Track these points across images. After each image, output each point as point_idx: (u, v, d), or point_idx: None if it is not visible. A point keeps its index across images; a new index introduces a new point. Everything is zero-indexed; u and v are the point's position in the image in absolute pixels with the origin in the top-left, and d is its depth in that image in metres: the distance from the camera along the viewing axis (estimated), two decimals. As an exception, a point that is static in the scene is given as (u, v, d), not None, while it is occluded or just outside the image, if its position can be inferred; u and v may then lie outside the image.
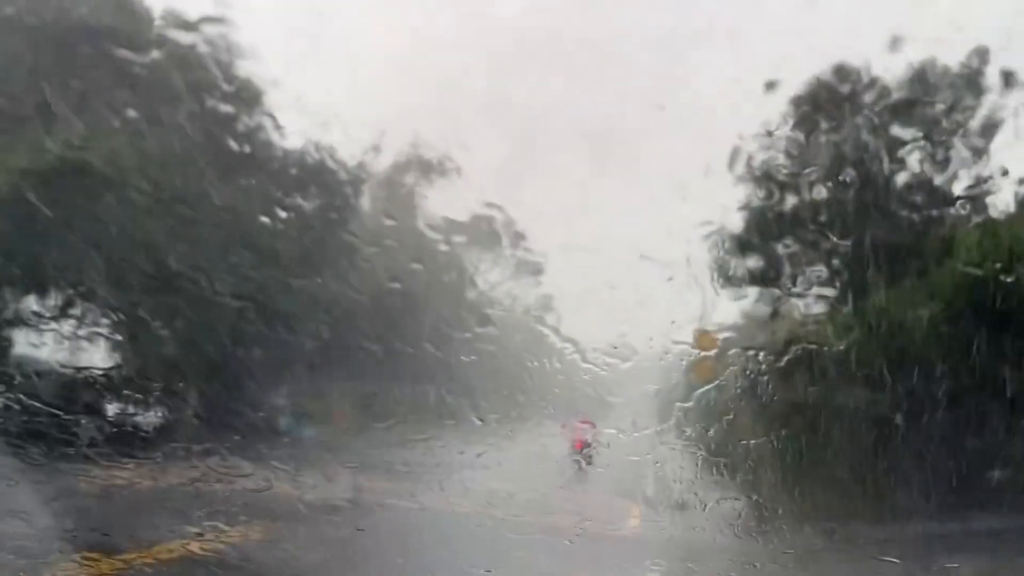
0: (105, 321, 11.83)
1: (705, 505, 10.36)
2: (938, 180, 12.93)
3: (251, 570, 7.66)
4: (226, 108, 11.05)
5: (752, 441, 11.77)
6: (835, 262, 13.37)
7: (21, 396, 10.02)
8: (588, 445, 11.98)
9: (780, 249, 13.94)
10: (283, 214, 12.28)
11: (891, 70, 12.62)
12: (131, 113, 10.61)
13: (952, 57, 12.11)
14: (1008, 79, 12.10)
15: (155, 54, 10.59)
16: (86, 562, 6.53)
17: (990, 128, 12.38)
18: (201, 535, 8.07)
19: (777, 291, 13.84)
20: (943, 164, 12.84)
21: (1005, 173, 12.28)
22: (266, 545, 8.63)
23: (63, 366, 10.78)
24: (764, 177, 13.66)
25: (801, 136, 13.40)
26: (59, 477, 8.54)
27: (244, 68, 11.75)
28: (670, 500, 10.82)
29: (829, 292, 13.56)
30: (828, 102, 12.86)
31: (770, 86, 13.06)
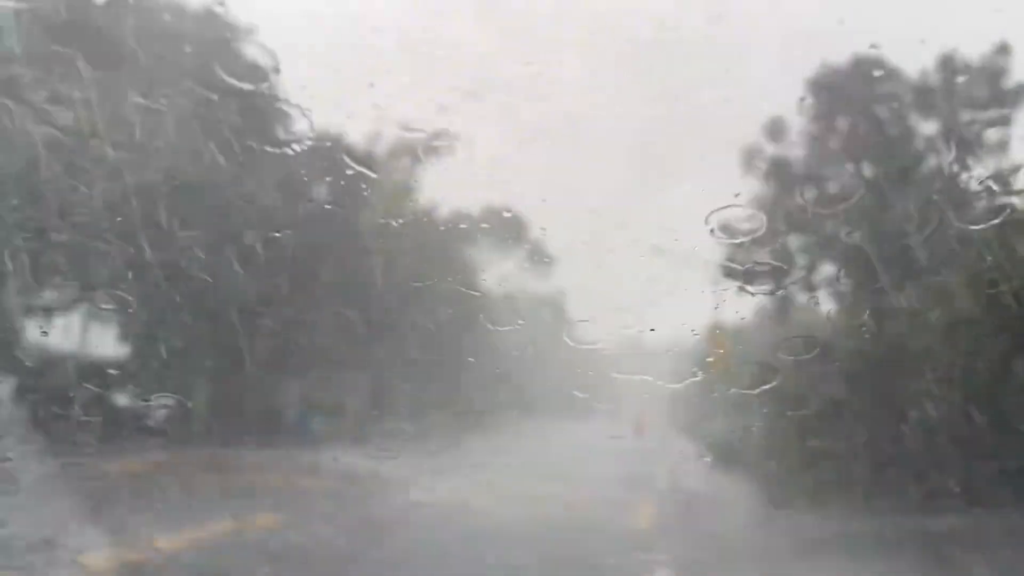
0: (114, 311, 11.77)
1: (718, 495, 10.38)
2: (957, 175, 12.80)
3: (259, 560, 7.63)
4: (236, 93, 10.92)
5: (764, 434, 11.74)
6: (849, 257, 13.25)
7: (30, 386, 9.98)
8: (643, 430, 17.63)
9: (793, 244, 13.83)
10: (295, 203, 12.19)
11: (911, 62, 12.47)
12: (140, 99, 10.51)
13: (973, 50, 11.97)
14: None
15: (162, 36, 10.49)
16: (93, 553, 6.50)
17: (1011, 122, 12.26)
18: (210, 525, 8.05)
19: (790, 286, 13.74)
20: (962, 158, 12.71)
21: (1019, 169, 12.14)
22: (275, 535, 8.61)
23: (72, 356, 10.73)
24: (778, 170, 13.55)
25: (817, 129, 13.29)
26: (68, 468, 8.51)
27: (249, 50, 11.67)
28: (686, 488, 10.87)
29: (843, 287, 13.46)
30: (846, 94, 12.72)
31: (786, 77, 12.93)
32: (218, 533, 8.13)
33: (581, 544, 8.34)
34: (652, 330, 10.20)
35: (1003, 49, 11.89)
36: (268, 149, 12.27)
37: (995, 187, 11.74)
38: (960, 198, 12.59)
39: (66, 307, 11.58)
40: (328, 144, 12.79)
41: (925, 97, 12.63)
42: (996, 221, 11.25)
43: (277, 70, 11.24)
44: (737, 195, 12.06)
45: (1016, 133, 12.11)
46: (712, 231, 12.56)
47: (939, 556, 8.21)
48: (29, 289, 11.56)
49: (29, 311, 11.53)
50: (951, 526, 9.06)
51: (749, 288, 12.99)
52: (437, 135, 12.49)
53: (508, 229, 12.56)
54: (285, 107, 11.71)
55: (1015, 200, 11.42)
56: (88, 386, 10.23)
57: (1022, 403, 9.63)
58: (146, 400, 11.24)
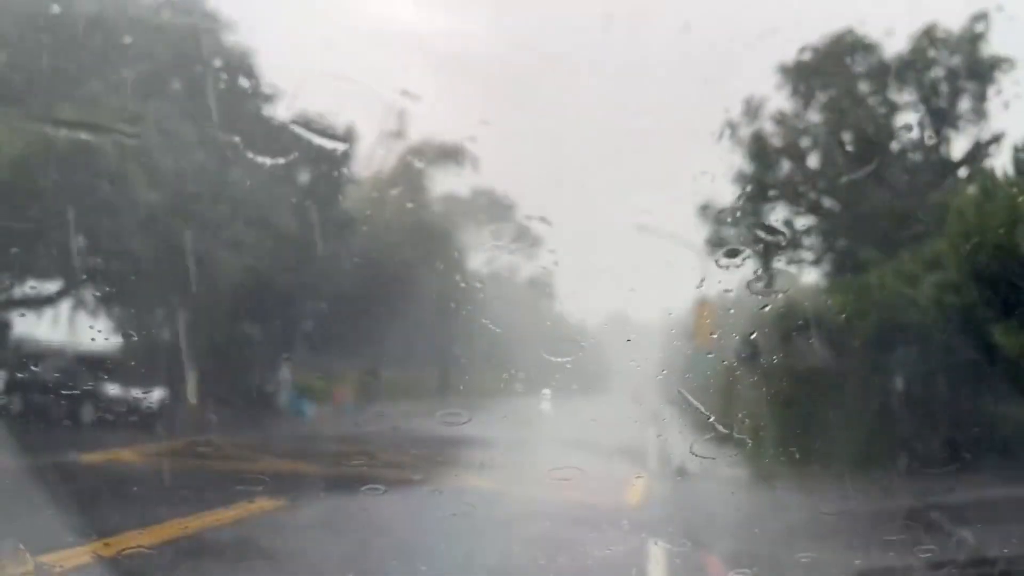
0: (104, 301, 11.77)
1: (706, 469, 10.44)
2: (936, 145, 12.86)
3: (253, 549, 7.66)
4: (223, 83, 10.92)
5: (751, 406, 11.82)
6: (832, 229, 13.33)
7: (21, 378, 9.99)
8: (639, 401, 19.49)
9: (777, 217, 13.91)
10: (282, 190, 12.18)
11: (889, 35, 12.51)
12: (127, 91, 10.48)
13: (951, 21, 12.00)
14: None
15: (149, 28, 10.45)
16: (89, 545, 6.52)
17: (988, 92, 12.30)
18: (203, 514, 8.08)
19: (775, 259, 13.81)
20: (941, 129, 12.76)
21: (998, 139, 12.20)
22: (268, 523, 8.64)
23: (62, 347, 10.74)
24: (760, 145, 13.59)
25: (798, 103, 13.33)
26: (60, 459, 8.53)
27: (240, 40, 11.62)
28: (673, 465, 10.94)
29: (826, 259, 13.55)
30: (825, 68, 12.76)
31: (767, 53, 12.96)
32: (211, 520, 8.17)
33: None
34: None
35: (979, 19, 11.94)
36: (263, 136, 12.25)
37: (973, 156, 11.82)
38: (941, 168, 12.68)
39: (54, 298, 11.58)
40: (314, 129, 12.76)
41: (904, 70, 12.66)
42: (975, 189, 11.36)
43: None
44: (720, 172, 12.17)
45: (993, 103, 12.17)
46: (698, 206, 12.68)
47: (926, 525, 8.29)
48: (19, 280, 11.56)
49: (17, 303, 11.53)
50: (938, 496, 9.14)
51: (734, 262, 13.10)
52: (430, 118, 12.46)
53: (500, 211, 12.59)
54: (266, 91, 11.70)
55: (993, 168, 11.49)
56: (78, 377, 10.27)
57: (1007, 371, 9.69)
58: (137, 388, 11.28)
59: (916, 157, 12.90)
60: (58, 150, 10.19)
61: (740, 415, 11.86)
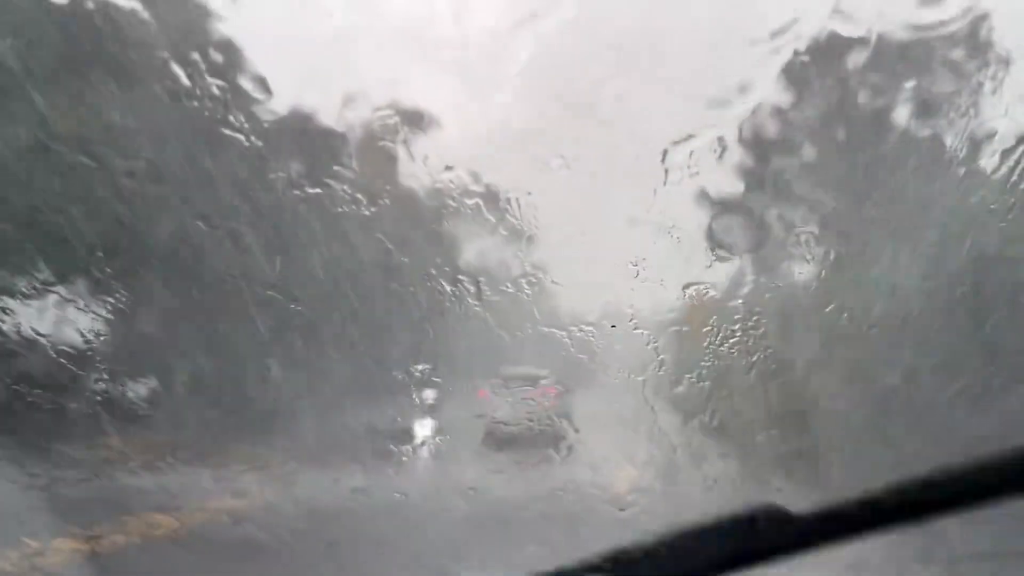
0: (90, 296, 11.68)
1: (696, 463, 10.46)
2: (932, 141, 12.81)
3: (243, 544, 7.63)
4: (204, 71, 10.80)
5: (744, 399, 11.80)
6: (827, 224, 13.28)
7: (4, 373, 9.93)
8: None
9: (770, 210, 13.85)
10: (269, 182, 12.11)
11: (886, 29, 12.42)
12: (110, 82, 10.39)
13: (947, 14, 11.91)
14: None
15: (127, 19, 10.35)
16: (76, 540, 6.48)
17: (986, 89, 12.24)
18: (191, 510, 8.05)
19: (768, 252, 13.74)
20: (937, 125, 12.72)
21: (993, 135, 12.13)
22: (260, 518, 8.61)
23: (48, 342, 10.65)
24: (755, 137, 13.53)
25: (793, 95, 13.27)
26: (46, 454, 8.49)
27: (218, 26, 11.55)
28: (663, 458, 10.96)
29: (820, 254, 13.48)
30: (821, 61, 12.68)
31: (761, 44, 12.87)
32: (199, 515, 8.14)
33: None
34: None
35: (978, 13, 11.86)
36: (246, 126, 12.15)
37: (970, 153, 11.75)
38: (937, 164, 12.61)
39: (39, 292, 11.49)
40: (301, 123, 12.69)
41: (901, 63, 12.60)
42: (971, 186, 11.31)
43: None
44: (713, 164, 12.08)
45: (989, 99, 12.11)
46: (692, 197, 12.59)
47: (917, 523, 8.25)
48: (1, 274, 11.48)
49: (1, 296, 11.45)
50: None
51: (727, 256, 13.02)
52: (415, 112, 12.39)
53: (490, 203, 12.46)
54: (253, 85, 11.58)
55: (988, 164, 11.44)
56: (64, 370, 10.20)
57: (1002, 369, 9.67)
58: (124, 383, 11.23)
59: (912, 152, 12.86)
60: (44, 144, 10.13)
61: (734, 407, 11.86)
